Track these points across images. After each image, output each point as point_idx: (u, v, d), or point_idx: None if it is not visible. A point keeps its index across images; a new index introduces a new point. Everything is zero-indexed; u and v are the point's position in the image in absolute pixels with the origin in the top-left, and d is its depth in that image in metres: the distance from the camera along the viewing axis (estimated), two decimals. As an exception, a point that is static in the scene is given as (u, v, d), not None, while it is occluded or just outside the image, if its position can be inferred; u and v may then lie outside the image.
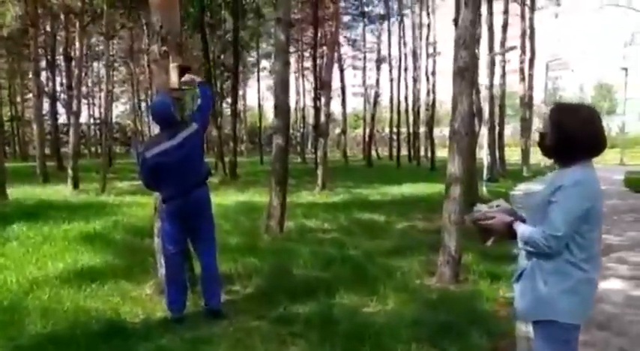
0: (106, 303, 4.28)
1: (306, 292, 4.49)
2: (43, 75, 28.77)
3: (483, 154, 16.46)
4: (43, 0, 18.18)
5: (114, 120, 41.81)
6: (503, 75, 22.86)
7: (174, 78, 4.57)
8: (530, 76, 25.49)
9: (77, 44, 15.61)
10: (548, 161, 27.46)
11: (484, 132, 15.97)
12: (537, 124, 41.66)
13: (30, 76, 26.32)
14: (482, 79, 15.80)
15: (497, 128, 21.35)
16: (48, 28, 25.63)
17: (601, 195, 1.96)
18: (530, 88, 25.95)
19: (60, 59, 27.44)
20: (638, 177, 15.32)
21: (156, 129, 4.30)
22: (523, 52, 24.39)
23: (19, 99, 42.71)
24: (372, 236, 7.37)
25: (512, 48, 19.48)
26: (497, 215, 2.07)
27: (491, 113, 17.89)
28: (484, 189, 13.80)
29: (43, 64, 28.50)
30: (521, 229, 1.99)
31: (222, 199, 11.72)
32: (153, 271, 4.87)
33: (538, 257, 1.95)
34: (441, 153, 32.15)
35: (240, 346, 3.50)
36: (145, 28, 19.22)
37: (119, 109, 52.15)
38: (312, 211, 9.84)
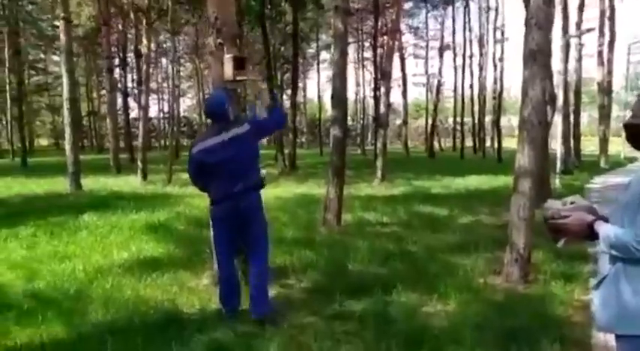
0: (164, 293, 4.36)
1: (362, 288, 4.32)
2: (116, 72, 30.45)
3: (557, 145, 15.39)
4: None
5: (181, 114, 43.60)
6: (579, 59, 21.25)
7: (228, 69, 4.54)
8: (610, 60, 23.55)
9: (145, 41, 16.26)
10: (629, 152, 25.33)
11: (558, 121, 14.91)
12: (618, 112, 38.57)
13: (104, 73, 27.93)
14: (556, 64, 14.72)
15: (572, 117, 19.95)
16: (119, 27, 27.05)
17: None
18: (610, 73, 23.97)
19: (131, 56, 28.84)
20: None
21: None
22: (602, 34, 22.54)
23: (95, 95, 45.68)
24: (434, 231, 7.06)
25: (590, 30, 17.98)
26: (574, 213, 1.79)
27: (566, 101, 16.68)
28: (557, 182, 12.92)
29: (116, 61, 30.13)
30: (606, 229, 1.71)
31: (281, 191, 11.80)
32: (209, 262, 4.91)
33: (625, 262, 1.66)
34: (509, 144, 30.69)
35: (294, 343, 3.41)
36: (208, 23, 19.78)
37: (186, 103, 54.36)
38: (371, 203, 9.63)
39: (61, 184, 13.05)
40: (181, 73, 36.71)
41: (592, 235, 1.77)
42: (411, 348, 3.23)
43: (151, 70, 22.23)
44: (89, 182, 13.35)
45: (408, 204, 9.59)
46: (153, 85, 36.99)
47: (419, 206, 9.36)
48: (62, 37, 12.56)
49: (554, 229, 1.84)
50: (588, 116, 41.21)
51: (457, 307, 4.06)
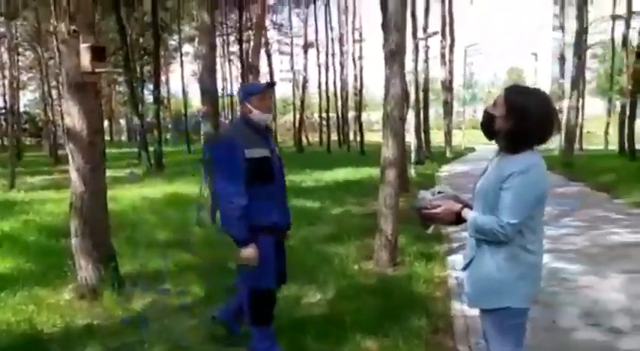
0: (18, 313, 3.83)
1: (244, 285, 4.30)
2: None
3: (410, 138, 16.92)
4: None
5: (22, 109, 38.31)
6: (426, 60, 23.58)
7: (85, 60, 4.15)
8: (451, 61, 26.55)
9: (-29, 25, 13.95)
10: (468, 143, 28.76)
11: (410, 116, 16.38)
12: (458, 108, 43.69)
13: None
14: (408, 64, 16.14)
15: (422, 112, 22.05)
16: None
17: (547, 178, 1.95)
18: (451, 73, 27.06)
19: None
20: (548, 155, 16.55)
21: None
22: (443, 37, 25.29)
23: None
24: (308, 223, 7.28)
25: (435, 33, 20.11)
26: (444, 203, 2.00)
27: (417, 98, 18.41)
28: (412, 172, 14.21)
29: None
30: (472, 216, 1.93)
31: (149, 190, 11.12)
32: (71, 274, 4.44)
33: (489, 244, 1.90)
34: (369, 137, 32.91)
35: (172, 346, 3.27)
36: (52, 8, 17.56)
37: (27, 97, 47.86)
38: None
39: None
40: (20, 63, 32.16)
41: (459, 221, 2.00)
42: (297, 338, 3.32)
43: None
44: None
45: (282, 198, 9.74)
46: (-17, 76, 31.94)
47: (292, 200, 9.52)
48: None
49: (426, 217, 2.04)
50: (434, 112, 46.03)
51: (336, 294, 4.27)
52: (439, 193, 2.05)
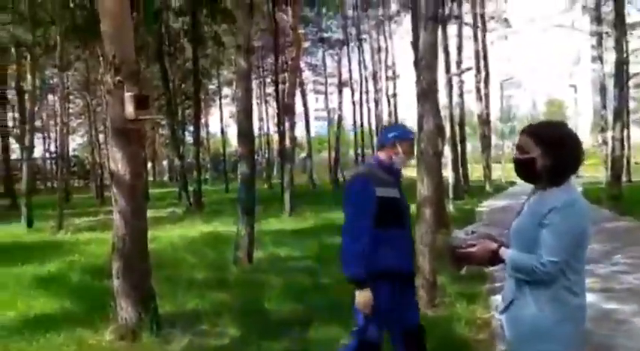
0: (61, 354, 3.92)
1: (280, 327, 4.27)
2: (-6, 110, 27.64)
3: (447, 173, 16.71)
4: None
5: (71, 153, 40.44)
6: (461, 95, 23.55)
7: (129, 108, 4.37)
8: (486, 95, 26.38)
9: (29, 77, 15.05)
10: (508, 177, 27.90)
11: (447, 151, 16.26)
12: (496, 141, 42.94)
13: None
14: (442, 99, 16.17)
15: (459, 146, 21.83)
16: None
17: (590, 214, 1.88)
18: (487, 106, 26.82)
19: (12, 93, 26.44)
20: (594, 187, 15.89)
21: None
22: (478, 72, 25.26)
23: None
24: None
25: (468, 69, 20.14)
26: (479, 243, 1.95)
27: (452, 132, 18.30)
28: (451, 207, 13.93)
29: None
30: (511, 255, 1.87)
31: (187, 230, 11.36)
32: (113, 315, 4.53)
33: (530, 285, 1.82)
34: (405, 171, 32.67)
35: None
36: (101, 59, 18.86)
37: (76, 142, 50.56)
38: (281, 238, 9.62)
39: None
40: (70, 110, 34.25)
41: (495, 261, 1.93)
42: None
43: (35, 108, 20.50)
44: (-39, 234, 11.77)
45: (318, 237, 9.71)
46: (37, 123, 34.04)
47: (328, 238, 9.50)
48: None
49: (461, 257, 1.99)
50: (471, 146, 45.44)
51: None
52: (472, 232, 2.01)
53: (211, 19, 20.37)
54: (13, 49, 18.97)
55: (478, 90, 25.56)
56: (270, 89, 38.87)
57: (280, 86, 27.09)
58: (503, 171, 35.58)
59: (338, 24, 33.93)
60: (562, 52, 52.13)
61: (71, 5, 15.63)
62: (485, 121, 26.80)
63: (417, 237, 5.23)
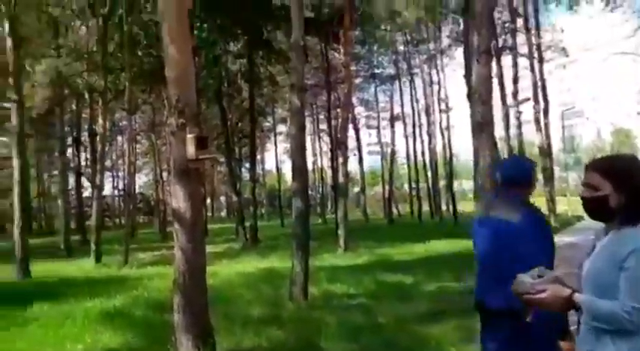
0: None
1: (336, 367, 4.18)
2: (69, 151, 29.86)
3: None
4: (68, 81, 19.23)
5: (137, 191, 42.68)
6: (519, 126, 22.84)
7: (190, 149, 4.60)
8: (546, 125, 25.41)
9: (101, 121, 16.23)
10: (576, 211, 26.22)
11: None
12: (559, 173, 40.91)
13: (56, 154, 27.32)
14: (499, 131, 15.80)
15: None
16: (73, 107, 26.91)
17: None
18: (548, 137, 25.77)
19: (85, 135, 28.53)
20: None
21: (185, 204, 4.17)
22: (536, 102, 24.49)
23: (45, 175, 44.16)
24: (401, 300, 7.01)
25: (526, 100, 19.58)
26: (550, 287, 1.79)
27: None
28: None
29: (69, 140, 29.65)
30: (590, 301, 1.70)
31: (244, 266, 11.53)
32: (172, 349, 4.63)
33: (612, 334, 1.66)
34: (463, 207, 31.69)
35: None
36: (165, 102, 20.13)
37: (142, 179, 53.39)
38: (336, 274, 9.53)
39: (7, 272, 12.21)
40: (137, 150, 36.45)
41: (568, 308, 1.77)
42: None
43: (106, 149, 22.00)
44: (38, 268, 12.57)
45: (373, 273, 9.55)
46: (107, 162, 36.37)
47: (384, 274, 9.33)
48: (14, 119, 12.36)
49: (530, 304, 1.84)
50: (533, 178, 43.62)
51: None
52: (539, 276, 1.86)
53: (267, 60, 21.29)
54: (87, 95, 20.61)
55: (537, 121, 24.68)
56: (323, 125, 39.57)
57: (333, 122, 27.53)
58: (569, 204, 33.66)
59: (389, 59, 34.28)
60: (626, 80, 49.63)
61: (139, 53, 16.89)
62: (546, 152, 25.67)
63: (477, 275, 5.04)
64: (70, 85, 19.88)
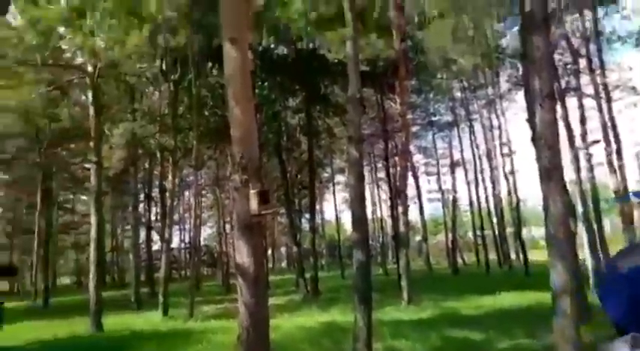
0: None
1: None
2: (141, 207, 31.59)
3: (584, 256, 14.94)
4: (142, 142, 20.71)
5: (202, 243, 44.05)
6: (591, 169, 21.61)
7: (253, 204, 4.74)
8: (620, 167, 23.86)
9: (170, 177, 17.17)
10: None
11: (581, 231, 14.71)
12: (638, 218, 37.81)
13: (130, 209, 29.01)
14: (569, 174, 15.01)
15: (594, 226, 19.63)
16: (146, 165, 28.77)
17: None
18: (623, 179, 24.12)
19: (155, 191, 30.18)
20: None
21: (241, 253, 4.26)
22: (607, 144, 23.20)
23: (119, 230, 46.83)
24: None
25: (596, 142, 18.61)
26: None
27: (585, 210, 16.62)
28: (594, 295, 12.25)
29: (141, 196, 31.46)
30: None
31: (305, 319, 11.37)
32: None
33: None
34: (533, 256, 29.79)
35: None
36: (229, 157, 21.13)
37: (206, 232, 55.19)
38: (400, 329, 9.15)
39: (82, 325, 12.79)
40: (202, 204, 37.98)
41: None
42: None
43: (174, 204, 23.11)
44: (110, 321, 13.08)
45: (439, 328, 9.09)
46: (175, 216, 38.04)
47: (450, 330, 8.85)
48: (93, 179, 13.37)
49: None
50: (610, 224, 40.62)
51: None
52: (634, 340, 1.68)
53: (324, 113, 21.92)
54: (158, 154, 22.01)
55: (610, 163, 23.28)
56: (381, 173, 39.45)
57: (391, 170, 27.41)
58: (655, 251, 30.74)
59: (446, 106, 34.13)
60: None
61: (206, 113, 18.00)
62: (622, 195, 23.98)
63: (556, 331, 4.66)
64: (143, 146, 21.40)
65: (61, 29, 12.48)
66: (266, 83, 18.64)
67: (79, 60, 15.78)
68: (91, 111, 13.61)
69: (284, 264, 62.95)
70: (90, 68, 13.36)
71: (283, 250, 66.11)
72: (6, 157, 27.70)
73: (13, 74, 14.64)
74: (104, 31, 11.61)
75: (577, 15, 20.99)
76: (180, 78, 16.92)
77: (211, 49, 15.61)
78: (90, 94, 13.83)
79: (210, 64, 17.89)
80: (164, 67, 17.24)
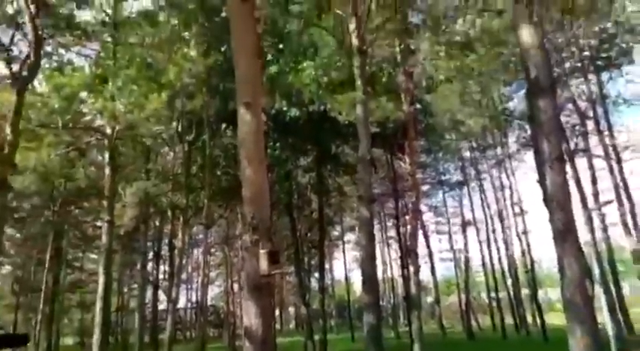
0: None
1: None
2: (149, 265, 31.34)
3: (603, 319, 14.34)
4: (154, 200, 20.93)
5: (208, 302, 43.13)
6: (605, 229, 21.29)
7: (263, 264, 4.72)
8: (636, 226, 23.45)
9: (180, 235, 17.19)
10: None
11: (599, 293, 14.22)
12: (661, 279, 36.51)
13: (138, 267, 28.80)
14: (583, 235, 14.78)
15: (612, 288, 19.02)
16: (156, 223, 28.84)
17: None
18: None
19: (164, 249, 30.05)
20: None
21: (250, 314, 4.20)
22: (620, 204, 22.97)
23: (125, 289, 46.10)
24: None
25: (609, 202, 18.46)
26: None
27: (602, 272, 16.19)
28: (618, 363, 11.63)
29: (150, 255, 31.30)
30: None
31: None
32: None
33: None
34: (551, 319, 28.62)
35: None
36: (239, 216, 21.22)
37: (214, 291, 54.18)
38: (415, 399, 8.68)
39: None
40: (211, 263, 37.60)
41: None
42: None
43: (183, 262, 22.95)
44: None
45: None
46: (183, 275, 37.57)
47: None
48: (104, 237, 13.42)
49: None
50: (628, 286, 39.24)
51: None
52: None
53: (335, 172, 22.16)
54: (169, 212, 22.15)
55: (625, 223, 22.91)
56: (392, 232, 39.04)
57: (402, 229, 27.16)
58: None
59: (455, 166, 34.35)
60: None
61: (218, 173, 18.32)
62: (640, 256, 23.36)
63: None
64: (155, 204, 21.60)
65: (84, 94, 13.11)
66: (278, 144, 19.05)
67: (98, 122, 16.41)
68: (107, 170, 13.92)
69: (292, 325, 61.04)
70: (108, 130, 13.84)
71: (292, 310, 64.34)
72: (21, 215, 28.05)
73: (34, 136, 15.21)
74: (125, 96, 12.19)
75: (582, 79, 21.54)
76: (195, 139, 17.39)
77: (227, 111, 16.16)
78: (107, 155, 14.20)
79: (224, 126, 18.45)
80: (180, 128, 17.79)
